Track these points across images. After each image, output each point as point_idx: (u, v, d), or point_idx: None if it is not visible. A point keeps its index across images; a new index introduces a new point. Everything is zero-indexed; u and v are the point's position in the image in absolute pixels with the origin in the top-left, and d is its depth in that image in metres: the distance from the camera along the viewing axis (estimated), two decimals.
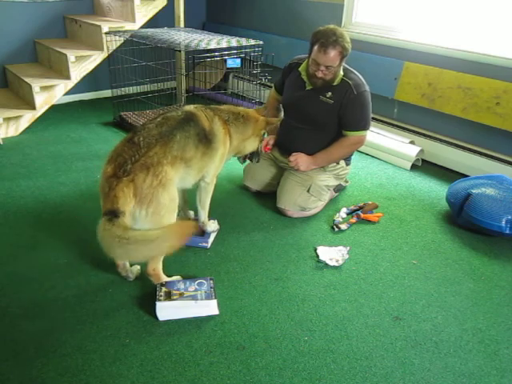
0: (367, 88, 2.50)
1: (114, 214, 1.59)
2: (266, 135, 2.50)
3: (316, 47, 2.34)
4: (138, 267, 2.04)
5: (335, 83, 2.48)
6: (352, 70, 2.53)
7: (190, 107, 2.12)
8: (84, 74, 3.81)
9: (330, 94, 2.49)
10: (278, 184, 2.67)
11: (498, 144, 3.09)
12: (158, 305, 1.78)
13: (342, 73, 2.47)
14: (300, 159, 2.54)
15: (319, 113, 2.52)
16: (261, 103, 3.64)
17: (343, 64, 2.50)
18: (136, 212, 1.69)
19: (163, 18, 4.28)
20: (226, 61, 3.68)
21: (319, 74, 2.40)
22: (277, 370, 1.60)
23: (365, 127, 2.54)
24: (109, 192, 1.66)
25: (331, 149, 2.57)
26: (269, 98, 2.93)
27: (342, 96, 2.46)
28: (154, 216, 1.72)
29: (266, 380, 1.57)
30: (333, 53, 2.31)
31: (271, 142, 2.75)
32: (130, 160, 1.72)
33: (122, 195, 1.63)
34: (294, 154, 2.57)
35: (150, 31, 3.74)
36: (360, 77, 2.51)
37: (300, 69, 2.57)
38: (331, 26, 2.36)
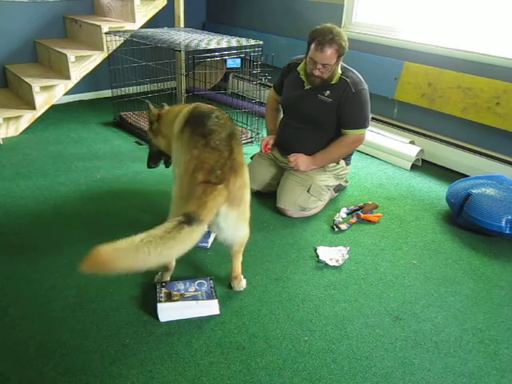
0: (365, 86, 2.51)
1: (189, 219, 1.51)
2: None
3: (313, 46, 2.36)
4: None
5: (333, 82, 2.48)
6: (350, 68, 2.54)
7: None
8: (84, 74, 3.81)
9: (328, 92, 2.49)
10: (278, 184, 2.67)
11: (498, 144, 3.09)
12: (160, 306, 1.78)
13: (340, 71, 2.48)
14: (300, 159, 2.54)
15: (318, 112, 2.53)
16: (261, 103, 3.64)
17: (341, 63, 2.51)
18: (228, 214, 1.68)
19: (163, 18, 4.28)
20: (226, 61, 3.68)
21: (316, 73, 2.41)
22: (277, 370, 1.60)
23: (364, 125, 2.54)
24: (201, 195, 1.59)
25: (331, 148, 2.57)
26: (268, 98, 2.94)
27: (340, 94, 2.47)
28: (241, 214, 1.76)
29: (266, 380, 1.57)
30: (329, 51, 2.32)
31: (271, 142, 2.75)
32: (216, 166, 1.67)
33: (211, 205, 1.58)
34: (293, 154, 2.57)
35: (149, 31, 3.74)
36: (358, 75, 2.52)
37: (299, 68, 2.58)
38: (328, 25, 2.37)
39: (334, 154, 2.60)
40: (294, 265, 2.18)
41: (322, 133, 2.58)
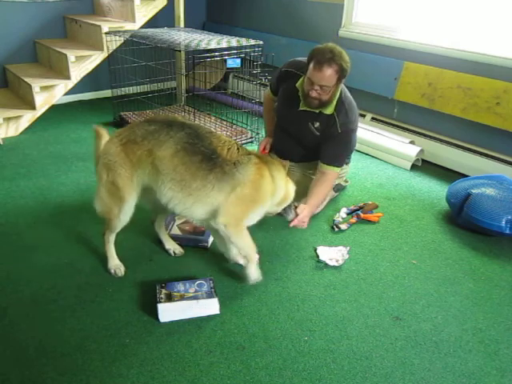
0: (354, 126, 2.43)
1: None
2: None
3: (311, 65, 2.21)
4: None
5: (327, 112, 2.38)
6: (346, 99, 2.40)
7: None
8: (84, 74, 3.81)
9: (317, 124, 2.43)
10: None
11: (498, 144, 3.09)
12: (160, 307, 1.78)
13: (334, 103, 2.37)
14: (304, 219, 2.32)
15: (305, 137, 2.52)
16: (261, 103, 3.63)
17: (343, 89, 2.42)
18: None
19: (163, 18, 4.28)
20: (225, 61, 3.68)
21: (313, 94, 2.27)
22: (277, 370, 1.60)
23: (339, 165, 2.46)
24: None
25: (318, 192, 2.44)
26: (264, 99, 2.87)
27: (326, 127, 2.41)
28: None
29: (266, 380, 1.57)
30: (328, 71, 2.17)
31: (268, 147, 2.78)
32: None
33: None
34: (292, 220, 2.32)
35: (149, 31, 3.74)
36: (350, 112, 2.39)
37: (297, 85, 2.44)
38: (330, 44, 2.22)
39: (322, 195, 2.49)
40: (294, 265, 2.18)
41: (309, 149, 2.57)
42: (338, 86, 2.32)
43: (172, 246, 2.20)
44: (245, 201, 1.85)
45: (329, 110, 2.38)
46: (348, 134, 2.42)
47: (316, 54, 2.20)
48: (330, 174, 2.44)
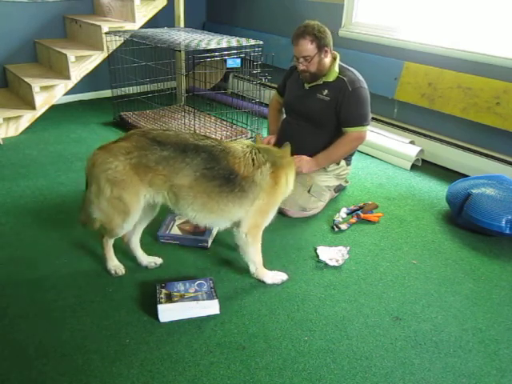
0: (363, 84, 2.52)
1: None
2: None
3: (293, 43, 2.45)
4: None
5: (331, 80, 2.51)
6: (349, 68, 2.56)
7: None
8: (84, 74, 3.81)
9: (326, 91, 2.53)
10: None
11: (498, 144, 3.08)
12: (160, 308, 1.78)
13: (337, 70, 2.51)
14: (302, 162, 2.54)
15: (317, 110, 2.56)
16: (261, 103, 3.63)
17: (339, 62, 2.52)
18: None
19: (163, 18, 4.28)
20: (225, 61, 3.68)
21: (301, 67, 2.47)
22: (277, 370, 1.60)
23: (362, 123, 2.55)
24: None
25: (332, 148, 2.58)
26: (271, 100, 2.97)
27: (337, 93, 2.49)
28: None
29: (266, 380, 1.57)
30: (303, 42, 2.38)
31: (272, 141, 2.76)
32: None
33: None
34: (295, 156, 2.57)
35: (149, 31, 3.74)
36: (356, 74, 2.54)
37: (298, 70, 2.61)
38: (306, 21, 2.43)
39: (335, 154, 2.60)
40: (294, 265, 2.18)
41: (322, 131, 2.59)
42: (323, 55, 2.45)
43: (152, 259, 2.12)
44: (264, 209, 1.94)
45: (332, 77, 2.51)
46: (360, 91, 2.50)
47: (293, 33, 2.44)
48: (351, 135, 2.55)
